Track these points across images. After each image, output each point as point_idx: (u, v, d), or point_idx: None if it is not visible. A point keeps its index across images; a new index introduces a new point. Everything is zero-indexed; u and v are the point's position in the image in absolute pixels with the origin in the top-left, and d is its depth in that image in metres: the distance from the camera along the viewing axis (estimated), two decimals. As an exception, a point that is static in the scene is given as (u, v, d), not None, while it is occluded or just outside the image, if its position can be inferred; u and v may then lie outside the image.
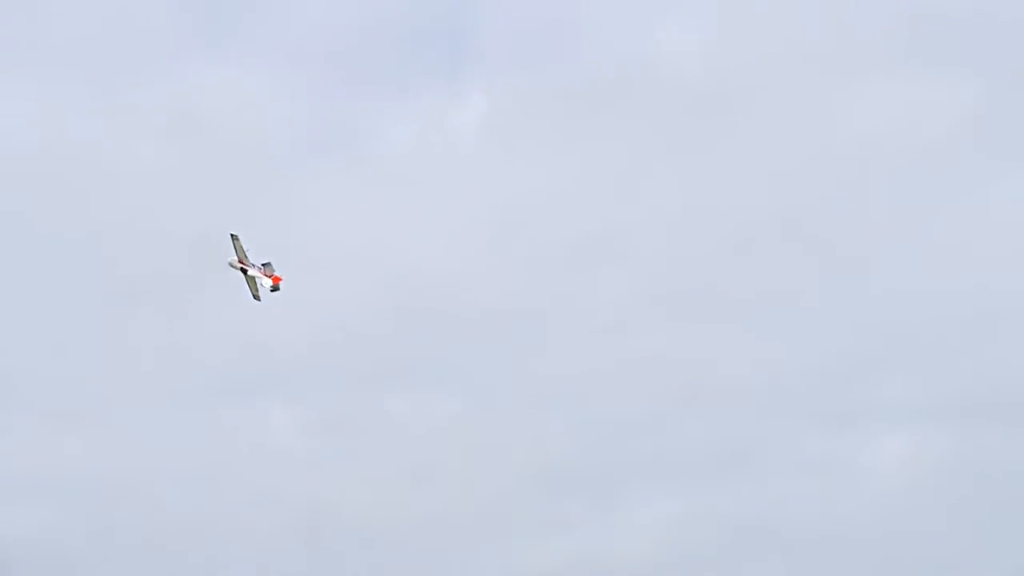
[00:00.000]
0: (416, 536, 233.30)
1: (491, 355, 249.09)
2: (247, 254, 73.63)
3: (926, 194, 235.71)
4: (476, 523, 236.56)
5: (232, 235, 73.66)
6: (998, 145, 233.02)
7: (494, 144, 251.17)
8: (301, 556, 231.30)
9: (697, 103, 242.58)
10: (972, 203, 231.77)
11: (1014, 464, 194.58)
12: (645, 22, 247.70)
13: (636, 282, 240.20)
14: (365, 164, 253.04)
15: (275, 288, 75.86)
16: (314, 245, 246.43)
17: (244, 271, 73.64)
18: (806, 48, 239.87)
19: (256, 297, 74.53)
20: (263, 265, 74.94)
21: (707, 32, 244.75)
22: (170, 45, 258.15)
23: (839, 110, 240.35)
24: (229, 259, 74.12)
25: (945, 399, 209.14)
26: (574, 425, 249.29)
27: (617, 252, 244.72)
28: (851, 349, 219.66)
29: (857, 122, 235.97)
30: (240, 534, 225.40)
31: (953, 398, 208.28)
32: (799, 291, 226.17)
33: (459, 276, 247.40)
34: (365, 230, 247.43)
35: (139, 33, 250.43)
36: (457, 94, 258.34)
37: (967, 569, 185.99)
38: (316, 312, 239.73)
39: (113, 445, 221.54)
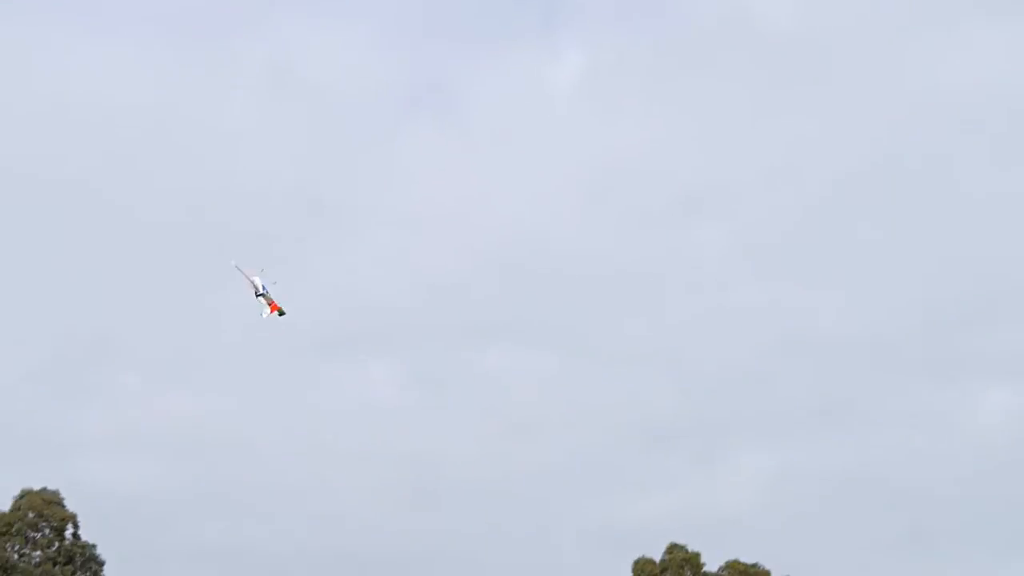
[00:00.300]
0: (516, 490, 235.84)
1: (590, 311, 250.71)
2: (253, 280, 74.99)
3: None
4: (576, 478, 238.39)
5: (235, 267, 75.57)
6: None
7: (591, 101, 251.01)
8: (404, 509, 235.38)
9: (794, 58, 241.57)
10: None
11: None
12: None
13: (736, 237, 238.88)
14: (462, 122, 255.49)
15: (281, 313, 76.17)
16: (412, 203, 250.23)
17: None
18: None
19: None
20: (261, 294, 75.43)
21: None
22: (270, 3, 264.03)
23: (937, 61, 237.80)
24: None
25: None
26: (675, 380, 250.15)
27: (716, 208, 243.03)
28: (955, 301, 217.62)
29: (955, 74, 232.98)
30: (343, 489, 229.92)
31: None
32: (901, 243, 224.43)
33: (557, 233, 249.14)
34: (463, 188, 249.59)
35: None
36: (554, 52, 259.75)
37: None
38: (415, 269, 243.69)
39: (218, 401, 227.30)
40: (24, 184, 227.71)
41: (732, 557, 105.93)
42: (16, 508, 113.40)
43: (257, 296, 73.92)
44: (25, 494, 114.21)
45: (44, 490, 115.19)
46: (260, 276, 74.15)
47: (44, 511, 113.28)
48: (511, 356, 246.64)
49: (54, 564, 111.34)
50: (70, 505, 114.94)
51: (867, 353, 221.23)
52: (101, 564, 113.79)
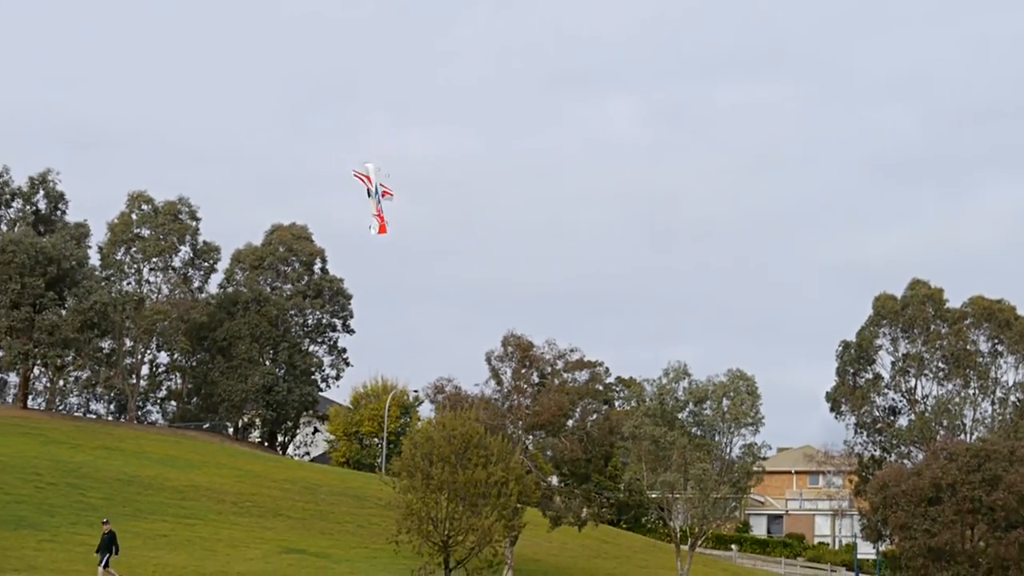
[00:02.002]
0: (755, 228, 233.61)
1: (829, 39, 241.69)
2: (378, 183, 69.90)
3: None
4: (818, 213, 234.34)
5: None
6: None
7: None
8: (641, 248, 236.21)
9: None
10: None
11: None
12: None
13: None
14: None
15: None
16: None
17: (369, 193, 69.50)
18: None
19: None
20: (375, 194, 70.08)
21: None
22: None
23: None
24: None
25: None
26: (921, 111, 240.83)
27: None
28: None
29: None
30: (580, 228, 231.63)
31: None
32: None
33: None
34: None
35: None
36: None
37: None
38: (650, 3, 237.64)
39: (457, 141, 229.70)
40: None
41: (976, 293, 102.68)
42: (267, 243, 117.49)
43: (369, 197, 69.10)
44: (275, 229, 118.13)
45: (293, 225, 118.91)
46: (375, 174, 69.27)
47: (293, 245, 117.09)
48: (750, 90, 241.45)
49: (304, 297, 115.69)
50: (318, 240, 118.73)
51: None
52: (348, 298, 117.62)
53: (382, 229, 69.13)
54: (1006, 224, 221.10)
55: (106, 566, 50.94)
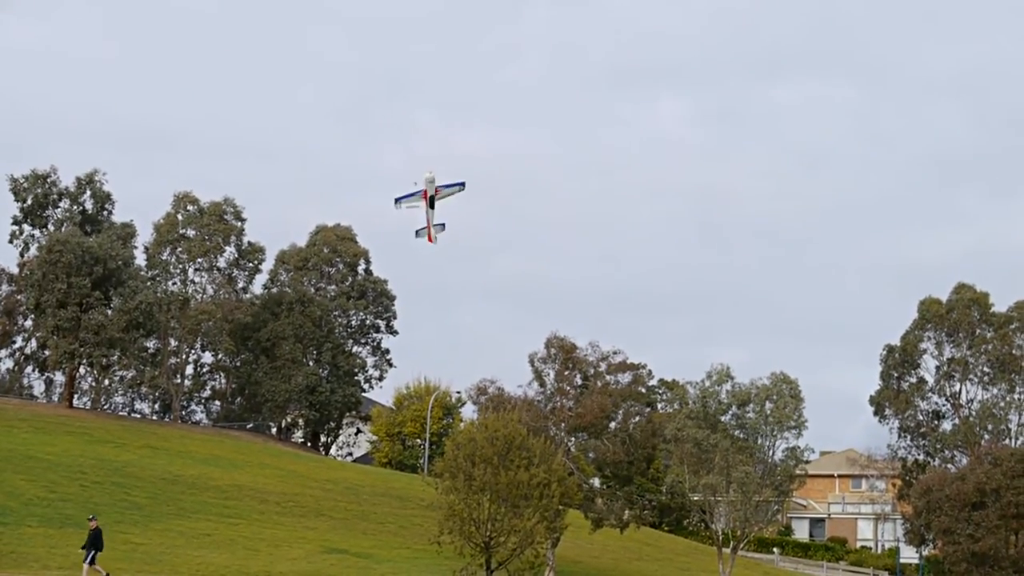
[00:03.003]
0: (805, 227, 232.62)
1: (886, 40, 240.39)
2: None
3: None
4: (868, 213, 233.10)
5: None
6: None
7: None
8: (691, 245, 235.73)
9: None
10: None
11: None
12: None
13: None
14: None
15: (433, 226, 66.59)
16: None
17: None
18: None
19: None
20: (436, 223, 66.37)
21: None
22: None
23: None
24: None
25: None
26: (974, 113, 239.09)
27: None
28: None
29: None
30: (632, 225, 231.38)
31: None
32: None
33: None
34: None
35: None
36: None
37: None
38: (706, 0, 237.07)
39: (510, 139, 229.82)
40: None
41: (1022, 298, 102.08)
42: (312, 243, 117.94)
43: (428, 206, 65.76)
44: (320, 230, 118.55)
45: (338, 226, 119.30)
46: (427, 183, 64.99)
47: (338, 246, 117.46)
48: (804, 89, 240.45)
49: (348, 298, 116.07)
50: (362, 241, 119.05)
51: None
52: (392, 299, 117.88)
53: (430, 238, 67.25)
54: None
55: (92, 563, 51.00)
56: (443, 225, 66.47)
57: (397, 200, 66.03)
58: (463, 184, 65.99)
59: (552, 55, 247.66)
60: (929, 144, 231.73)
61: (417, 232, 66.79)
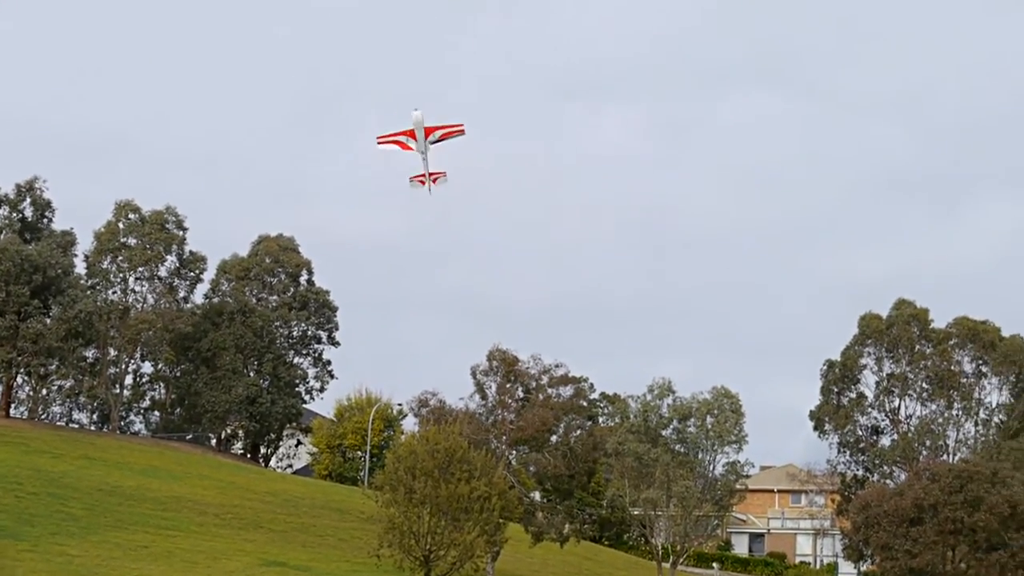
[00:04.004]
0: (749, 242, 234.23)
1: (829, 54, 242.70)
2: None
3: None
4: (814, 229, 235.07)
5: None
6: None
7: None
8: (637, 260, 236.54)
9: None
10: None
11: None
12: None
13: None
14: None
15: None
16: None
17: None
18: None
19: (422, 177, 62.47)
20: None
21: None
22: None
23: None
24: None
25: None
26: (917, 130, 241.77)
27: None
28: None
29: None
30: (577, 239, 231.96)
31: None
32: None
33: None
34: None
35: None
36: None
37: None
38: (644, 13, 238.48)
39: (453, 147, 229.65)
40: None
41: (962, 314, 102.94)
42: (254, 253, 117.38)
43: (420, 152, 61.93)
44: (262, 240, 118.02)
45: (280, 236, 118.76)
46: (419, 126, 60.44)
47: (280, 257, 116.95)
48: (750, 105, 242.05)
49: (289, 309, 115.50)
50: (305, 252, 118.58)
51: None
52: (334, 310, 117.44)
53: (422, 182, 62.91)
54: (994, 243, 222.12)
55: None
56: (445, 174, 62.61)
57: (379, 140, 61.66)
58: (462, 127, 61.04)
59: (499, 67, 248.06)
60: (872, 161, 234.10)
61: (411, 179, 62.52)
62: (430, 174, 61.51)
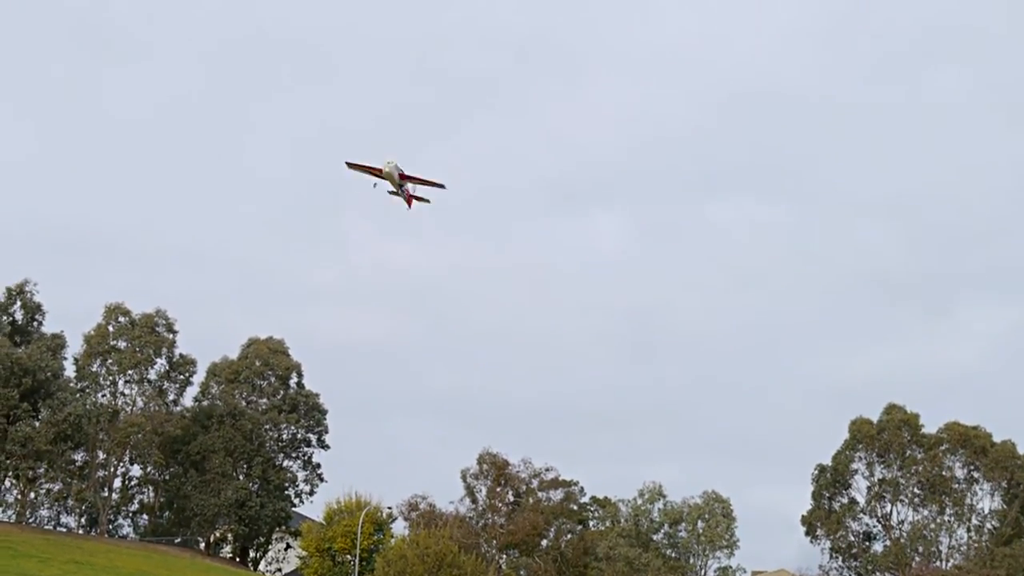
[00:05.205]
0: (738, 344, 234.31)
1: (817, 159, 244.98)
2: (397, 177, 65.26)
3: None
4: (803, 331, 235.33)
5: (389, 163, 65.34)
6: None
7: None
8: (624, 362, 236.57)
9: None
10: None
11: None
12: None
13: (982, 80, 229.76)
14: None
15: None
16: (634, 47, 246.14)
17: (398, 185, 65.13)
18: None
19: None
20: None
21: None
22: None
23: None
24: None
25: None
26: (907, 232, 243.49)
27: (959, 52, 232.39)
28: None
29: None
30: (565, 342, 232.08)
31: None
32: None
33: (786, 72, 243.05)
34: (686, 27, 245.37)
35: None
36: None
37: None
38: (637, 117, 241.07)
39: (441, 250, 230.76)
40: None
41: (952, 418, 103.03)
42: (244, 356, 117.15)
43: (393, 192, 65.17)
44: (252, 342, 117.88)
45: (270, 339, 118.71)
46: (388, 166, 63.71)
47: (270, 359, 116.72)
48: (738, 207, 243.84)
49: (279, 411, 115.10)
50: (295, 354, 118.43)
51: None
52: (324, 413, 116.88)
53: (409, 202, 65.64)
54: (984, 346, 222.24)
55: None
56: (429, 200, 66.20)
57: (349, 164, 65.50)
58: (443, 186, 65.68)
59: (489, 169, 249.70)
60: (861, 263, 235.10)
61: (389, 192, 66.54)
62: (409, 196, 64.54)
